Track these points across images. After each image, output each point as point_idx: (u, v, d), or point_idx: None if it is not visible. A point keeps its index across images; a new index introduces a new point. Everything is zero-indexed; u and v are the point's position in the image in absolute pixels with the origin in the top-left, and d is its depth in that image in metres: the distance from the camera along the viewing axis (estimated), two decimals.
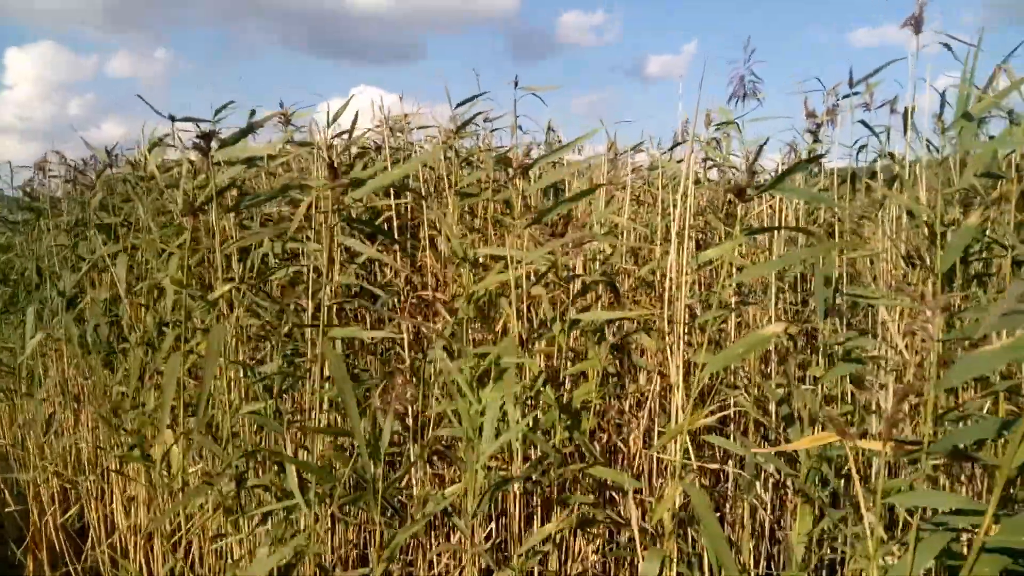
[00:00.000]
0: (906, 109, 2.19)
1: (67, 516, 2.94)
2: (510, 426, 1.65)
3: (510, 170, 2.04)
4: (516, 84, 2.66)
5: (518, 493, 2.02)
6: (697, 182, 2.99)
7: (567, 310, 1.96)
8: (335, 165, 1.52)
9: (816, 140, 2.54)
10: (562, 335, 1.93)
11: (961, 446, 0.91)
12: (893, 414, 0.82)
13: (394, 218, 2.57)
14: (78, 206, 3.35)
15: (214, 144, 1.74)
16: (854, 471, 0.94)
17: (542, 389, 1.94)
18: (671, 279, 2.10)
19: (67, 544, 2.96)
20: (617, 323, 2.32)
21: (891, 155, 2.50)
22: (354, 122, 2.77)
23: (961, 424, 1.48)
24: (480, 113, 2.91)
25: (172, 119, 2.75)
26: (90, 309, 2.77)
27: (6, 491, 3.38)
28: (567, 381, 2.12)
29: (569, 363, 2.03)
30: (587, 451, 1.92)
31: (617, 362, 2.33)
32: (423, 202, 2.57)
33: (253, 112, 2.65)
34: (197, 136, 1.57)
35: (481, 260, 2.26)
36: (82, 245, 3.13)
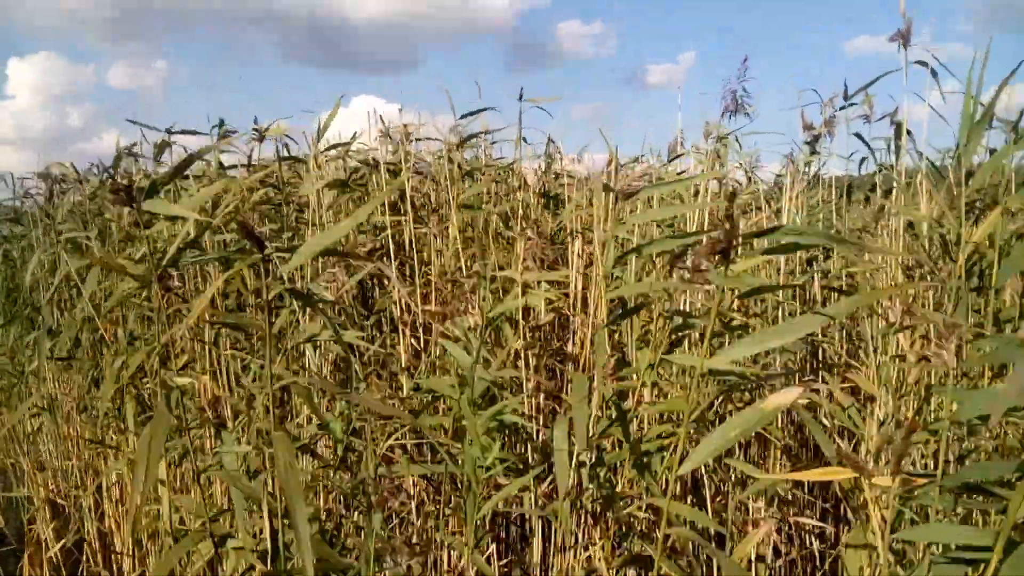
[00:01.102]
0: (898, 123, 2.22)
1: (63, 542, 2.95)
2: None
3: (612, 196, 1.92)
4: (521, 96, 2.65)
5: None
6: (696, 194, 3.00)
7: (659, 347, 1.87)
8: (254, 233, 1.22)
9: (813, 152, 2.57)
10: (648, 373, 1.83)
11: (974, 482, 0.89)
12: (900, 447, 0.83)
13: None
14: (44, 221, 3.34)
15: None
16: (872, 508, 0.94)
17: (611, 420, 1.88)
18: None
19: (64, 558, 2.96)
20: None
21: (887, 167, 2.52)
22: (353, 136, 2.76)
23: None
24: (483, 132, 2.90)
25: (168, 132, 2.77)
26: (67, 328, 2.76)
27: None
28: (644, 418, 2.06)
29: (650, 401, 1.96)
30: (651, 488, 1.84)
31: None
32: (420, 220, 2.57)
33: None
34: (114, 188, 1.38)
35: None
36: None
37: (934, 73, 2.07)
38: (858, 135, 2.50)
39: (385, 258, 2.71)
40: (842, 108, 2.46)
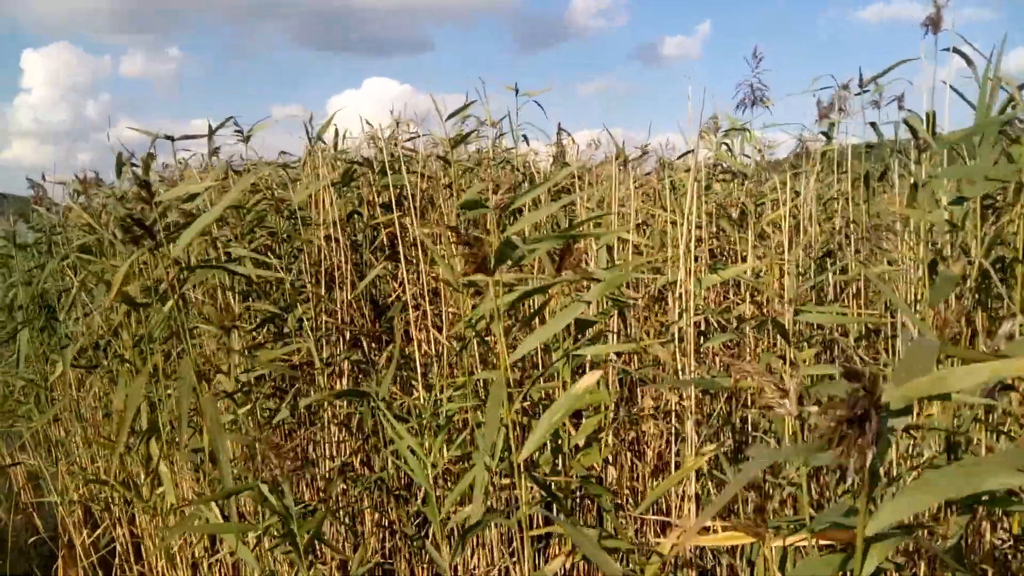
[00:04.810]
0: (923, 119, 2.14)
1: (92, 541, 3.08)
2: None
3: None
4: (516, 91, 2.67)
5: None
6: (708, 187, 2.97)
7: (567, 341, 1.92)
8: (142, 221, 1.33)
9: (829, 140, 2.53)
10: (566, 369, 1.90)
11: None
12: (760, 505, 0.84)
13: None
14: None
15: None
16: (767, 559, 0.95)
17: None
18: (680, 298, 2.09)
19: (98, 564, 3.09)
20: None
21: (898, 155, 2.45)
22: (336, 136, 2.80)
23: None
24: (474, 131, 2.90)
25: (170, 139, 2.86)
26: (86, 334, 2.87)
27: (35, 514, 3.55)
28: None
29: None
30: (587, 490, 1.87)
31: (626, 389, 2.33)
32: (414, 218, 2.59)
33: None
34: (138, 183, 1.56)
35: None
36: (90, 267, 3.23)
37: (968, 61, 1.99)
38: (872, 124, 2.45)
39: (390, 259, 2.75)
40: (857, 94, 2.41)
